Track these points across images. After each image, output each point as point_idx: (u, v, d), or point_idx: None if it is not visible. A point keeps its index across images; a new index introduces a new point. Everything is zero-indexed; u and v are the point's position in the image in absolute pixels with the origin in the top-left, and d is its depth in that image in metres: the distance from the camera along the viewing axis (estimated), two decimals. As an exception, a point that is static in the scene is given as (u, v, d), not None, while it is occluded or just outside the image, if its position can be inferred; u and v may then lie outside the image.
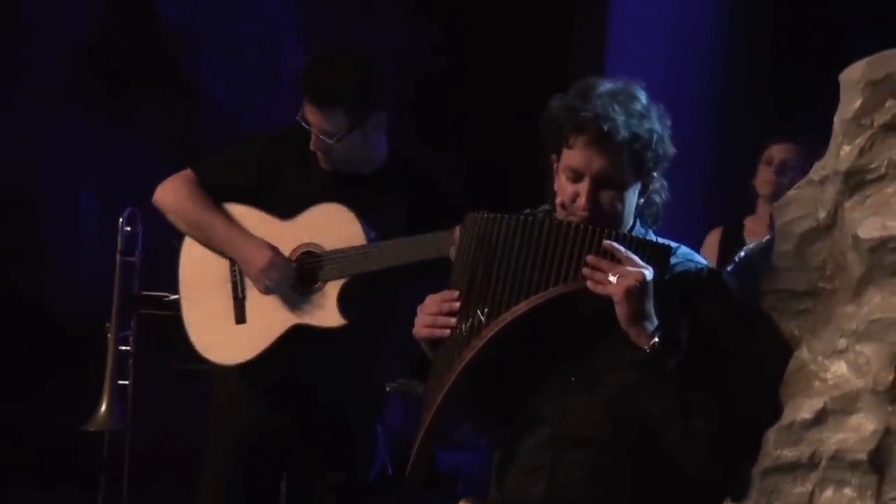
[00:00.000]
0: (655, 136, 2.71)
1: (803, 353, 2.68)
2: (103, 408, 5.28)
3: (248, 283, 3.73)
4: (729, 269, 2.89)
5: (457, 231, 3.32)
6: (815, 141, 4.88)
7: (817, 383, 2.62)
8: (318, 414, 3.74)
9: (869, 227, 2.59)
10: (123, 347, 5.40)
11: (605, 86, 2.71)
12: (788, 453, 2.59)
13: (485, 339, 2.69)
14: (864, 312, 2.59)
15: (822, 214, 2.71)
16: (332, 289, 3.63)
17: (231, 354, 3.75)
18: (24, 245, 7.02)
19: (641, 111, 2.70)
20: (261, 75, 7.26)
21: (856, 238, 2.61)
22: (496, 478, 2.85)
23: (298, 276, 3.67)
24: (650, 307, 2.63)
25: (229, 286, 3.77)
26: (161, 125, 7.25)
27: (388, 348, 3.94)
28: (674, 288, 2.69)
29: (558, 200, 2.75)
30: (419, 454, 2.79)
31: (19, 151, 7.11)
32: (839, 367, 2.59)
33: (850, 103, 2.69)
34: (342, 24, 7.22)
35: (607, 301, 2.63)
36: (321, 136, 3.63)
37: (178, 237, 3.87)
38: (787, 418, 2.62)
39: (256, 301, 3.72)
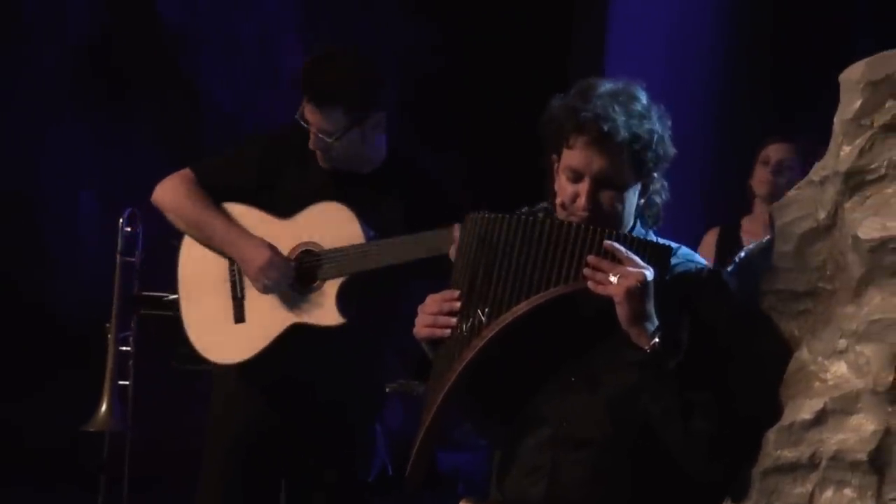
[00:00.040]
0: (656, 137, 2.71)
1: (803, 354, 2.68)
2: (104, 408, 5.28)
3: (248, 282, 3.73)
4: (729, 269, 2.89)
5: (455, 229, 3.34)
6: (811, 141, 4.91)
7: (817, 384, 2.62)
8: (316, 413, 3.74)
9: (869, 227, 2.60)
10: (124, 348, 5.40)
11: (606, 86, 2.71)
12: (788, 454, 2.59)
13: (485, 338, 2.69)
14: (864, 313, 2.59)
15: (822, 215, 2.71)
16: (331, 287, 3.64)
17: (230, 354, 3.75)
18: (24, 245, 7.02)
19: (642, 111, 2.70)
20: (261, 75, 7.26)
21: (856, 238, 2.61)
22: (497, 478, 2.85)
23: (297, 274, 3.67)
24: (651, 307, 2.63)
25: (228, 285, 3.77)
26: (161, 125, 7.25)
27: (387, 347, 3.94)
28: (674, 288, 2.69)
29: (558, 201, 2.75)
30: (419, 454, 2.79)
31: (19, 151, 7.11)
32: (839, 368, 2.59)
33: (850, 104, 2.69)
34: (342, 24, 7.22)
35: (608, 301, 2.63)
36: (320, 136, 3.64)
37: (177, 237, 3.87)
38: (787, 419, 2.62)
39: (255, 300, 3.72)
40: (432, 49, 7.03)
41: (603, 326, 2.68)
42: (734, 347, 2.71)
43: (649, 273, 2.63)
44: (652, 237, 2.79)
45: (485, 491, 2.94)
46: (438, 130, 6.72)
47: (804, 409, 2.60)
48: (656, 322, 2.63)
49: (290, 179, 3.74)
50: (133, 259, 5.45)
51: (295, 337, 3.67)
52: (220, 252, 3.76)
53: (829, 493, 2.54)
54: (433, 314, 2.75)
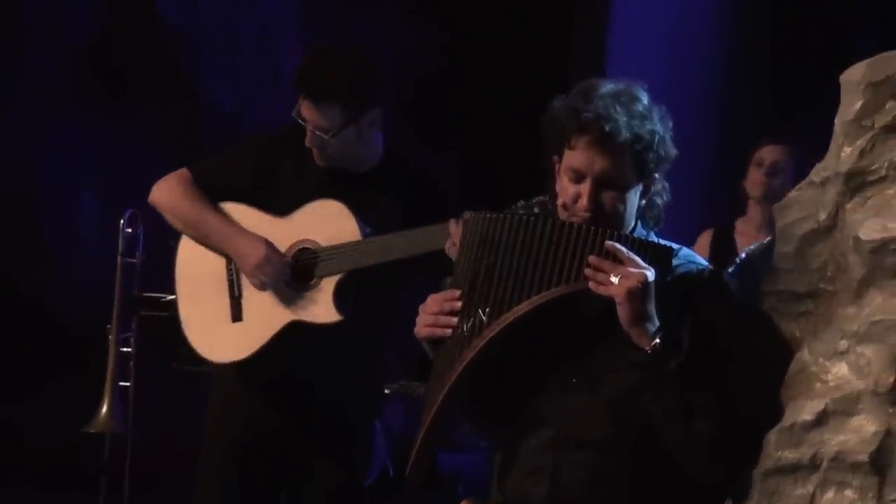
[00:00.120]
0: (657, 138, 2.71)
1: (804, 355, 2.68)
2: (104, 410, 5.28)
3: (245, 281, 3.73)
4: (730, 270, 2.89)
5: (451, 224, 3.35)
6: (805, 143, 4.92)
7: (818, 385, 2.62)
8: (315, 412, 3.74)
9: (870, 228, 2.60)
10: (124, 349, 5.40)
11: (607, 87, 2.71)
12: (789, 455, 2.60)
13: (486, 338, 2.69)
14: (865, 314, 2.59)
15: (822, 216, 2.71)
16: (328, 285, 3.64)
17: (228, 352, 3.76)
18: (24, 245, 7.02)
19: (643, 112, 2.70)
20: (261, 75, 7.26)
21: (857, 240, 2.61)
22: (497, 478, 2.85)
23: (295, 272, 3.67)
24: (651, 308, 2.63)
25: (226, 284, 3.77)
26: (161, 125, 7.25)
27: (387, 347, 3.94)
28: (675, 289, 2.69)
29: (560, 202, 2.75)
30: (419, 454, 2.79)
31: (19, 151, 7.11)
32: (840, 369, 2.60)
33: (850, 105, 2.69)
34: (342, 24, 7.22)
35: (609, 302, 2.64)
36: (317, 133, 3.64)
37: (175, 237, 3.87)
38: (788, 420, 2.62)
39: (253, 299, 3.73)
40: (432, 49, 7.03)
41: (604, 327, 2.69)
42: (735, 348, 2.71)
43: (650, 274, 2.63)
44: (653, 238, 2.79)
45: (486, 492, 2.95)
46: (438, 130, 6.72)
47: (805, 410, 2.60)
48: (657, 323, 2.63)
49: (287, 178, 3.74)
50: (134, 260, 5.45)
51: (293, 335, 3.67)
52: (217, 250, 3.76)
53: (829, 494, 2.54)
54: (434, 314, 2.75)
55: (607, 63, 6.38)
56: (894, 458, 2.50)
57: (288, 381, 3.74)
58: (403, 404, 5.44)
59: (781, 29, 6.36)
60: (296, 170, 3.74)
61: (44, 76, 7.16)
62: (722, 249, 4.93)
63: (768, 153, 5.09)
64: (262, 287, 3.68)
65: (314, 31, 7.25)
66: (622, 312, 2.62)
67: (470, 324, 2.71)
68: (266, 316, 3.70)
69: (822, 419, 2.58)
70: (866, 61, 2.70)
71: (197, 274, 3.81)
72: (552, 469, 2.73)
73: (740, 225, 5.18)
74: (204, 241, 3.78)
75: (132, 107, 7.27)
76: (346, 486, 3.80)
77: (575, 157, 2.71)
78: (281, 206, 3.72)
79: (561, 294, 2.68)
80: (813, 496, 2.56)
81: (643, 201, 2.78)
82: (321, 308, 3.64)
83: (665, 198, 2.82)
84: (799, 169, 4.77)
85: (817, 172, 2.75)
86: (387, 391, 4.89)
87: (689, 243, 4.76)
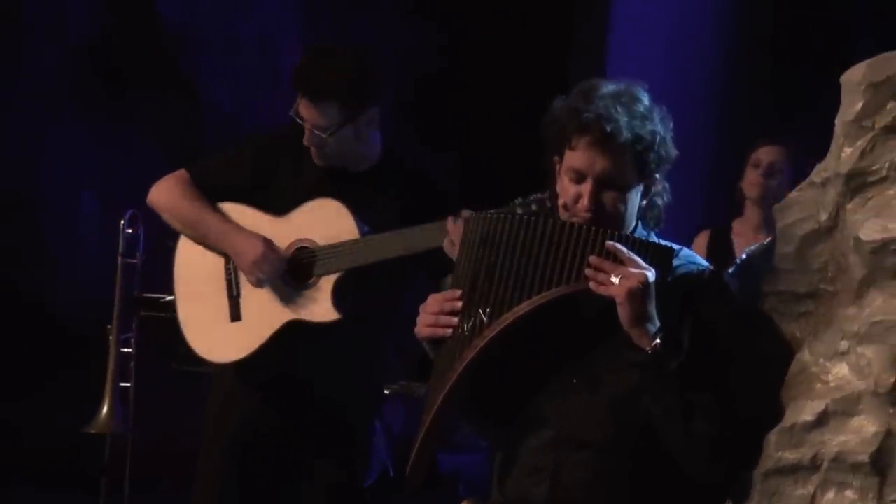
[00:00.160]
0: (658, 138, 2.71)
1: (805, 355, 2.68)
2: (105, 410, 5.27)
3: (243, 280, 3.73)
4: (730, 270, 2.89)
5: (448, 222, 3.35)
6: (802, 143, 4.92)
7: (819, 385, 2.62)
8: (314, 411, 3.74)
9: (870, 229, 2.60)
10: (125, 349, 5.39)
11: (608, 87, 2.72)
12: (790, 455, 2.60)
13: (487, 338, 2.70)
14: (865, 314, 2.59)
15: (823, 216, 2.71)
16: (327, 283, 3.64)
17: (227, 352, 3.76)
18: (24, 245, 7.02)
19: (644, 113, 2.70)
20: (261, 75, 7.25)
21: (857, 240, 2.61)
22: (498, 479, 2.85)
23: (293, 271, 3.67)
24: (652, 309, 2.63)
25: (224, 284, 3.77)
26: (161, 125, 7.25)
27: (387, 347, 3.94)
28: (676, 290, 2.69)
29: (561, 202, 2.76)
30: (420, 454, 2.79)
31: (19, 151, 7.10)
32: (841, 369, 2.60)
33: (851, 105, 2.69)
34: (342, 24, 7.21)
35: (609, 302, 2.64)
36: (315, 131, 3.64)
37: (174, 238, 3.87)
38: (788, 420, 2.63)
39: (252, 298, 3.73)
40: (432, 49, 7.03)
41: (604, 327, 2.69)
42: (735, 349, 2.72)
43: (651, 274, 2.63)
44: (654, 238, 2.79)
45: (486, 492, 2.94)
46: (438, 130, 6.71)
47: (805, 411, 2.60)
48: (658, 323, 2.63)
49: (285, 177, 3.75)
50: (134, 261, 5.45)
51: (291, 334, 3.67)
52: (215, 248, 3.76)
53: (830, 494, 2.54)
54: (435, 314, 2.76)
55: (607, 63, 6.38)
56: (895, 458, 2.50)
57: (287, 381, 3.74)
58: (404, 404, 5.43)
59: (781, 29, 6.36)
60: (294, 169, 3.74)
61: (44, 76, 7.15)
62: (718, 250, 4.94)
63: (765, 154, 5.09)
64: (259, 284, 3.68)
65: (314, 31, 7.24)
66: (623, 313, 2.63)
67: (470, 324, 2.72)
68: (265, 315, 3.70)
69: (822, 420, 2.58)
70: (867, 62, 2.70)
71: (195, 274, 3.82)
72: (553, 469, 2.73)
73: (737, 226, 5.18)
74: (202, 240, 3.78)
75: (132, 107, 7.26)
76: (345, 485, 3.80)
77: (576, 157, 2.71)
78: (279, 205, 3.73)
79: (561, 294, 2.68)
80: (813, 497, 2.56)
81: (644, 202, 2.78)
82: (320, 307, 3.64)
83: (666, 198, 2.82)
84: (797, 169, 4.78)
85: (818, 173, 2.75)
86: (387, 391, 4.88)
87: (689, 244, 4.76)
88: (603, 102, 2.68)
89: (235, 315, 3.75)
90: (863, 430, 2.53)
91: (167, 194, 3.80)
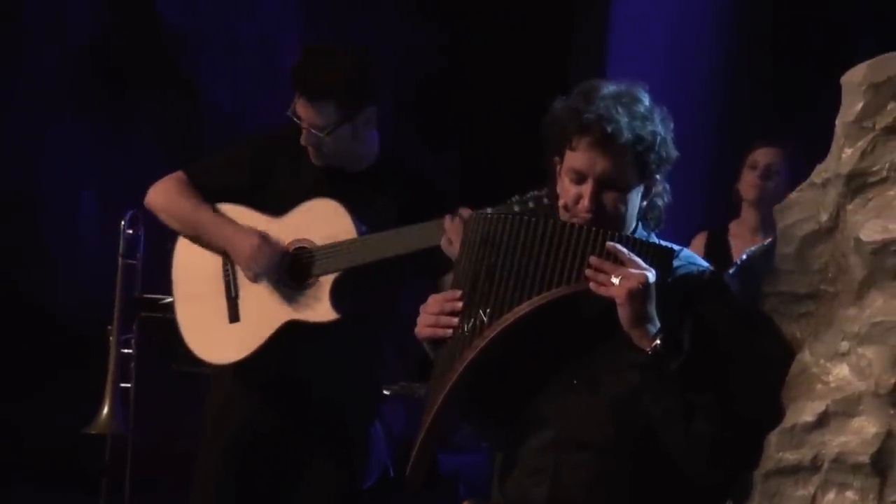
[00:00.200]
0: (658, 139, 2.71)
1: (805, 356, 2.68)
2: (105, 411, 5.27)
3: (242, 281, 3.73)
4: (731, 271, 2.89)
5: (446, 221, 3.35)
6: (799, 145, 4.92)
7: (819, 386, 2.62)
8: (313, 411, 3.74)
9: (871, 229, 2.60)
10: (125, 350, 5.39)
11: (609, 88, 2.72)
12: (790, 456, 2.60)
13: (487, 339, 2.69)
14: (865, 315, 2.59)
15: (823, 217, 2.71)
16: (325, 283, 3.64)
17: (226, 353, 3.76)
18: (24, 245, 7.02)
19: (644, 113, 2.70)
20: (261, 75, 7.25)
21: (858, 241, 2.61)
22: (498, 479, 2.85)
23: (291, 271, 3.67)
24: (652, 309, 2.63)
25: (222, 285, 3.77)
26: (161, 125, 7.25)
27: (386, 347, 3.94)
28: (676, 290, 2.69)
29: (561, 202, 2.75)
30: (420, 454, 2.79)
31: (19, 151, 7.10)
32: (841, 370, 2.60)
33: (851, 106, 2.69)
34: (342, 24, 7.21)
35: (610, 303, 2.64)
36: (312, 131, 3.64)
37: (173, 240, 3.87)
38: (788, 421, 2.63)
39: (250, 299, 3.73)
40: (432, 49, 7.03)
41: (604, 328, 2.69)
42: (736, 349, 2.71)
43: (651, 275, 2.63)
44: (654, 239, 2.79)
45: (486, 493, 2.94)
46: (438, 130, 6.72)
47: (806, 412, 2.60)
48: (658, 324, 2.63)
49: (283, 177, 3.75)
50: (135, 261, 5.45)
51: (290, 334, 3.67)
52: (213, 247, 3.76)
53: (831, 495, 2.54)
54: (435, 314, 2.75)
55: (607, 63, 6.38)
56: (895, 459, 2.50)
57: (286, 381, 3.74)
58: (404, 405, 5.43)
59: (781, 29, 6.36)
60: (292, 169, 3.74)
61: (44, 76, 7.15)
62: (716, 252, 4.93)
63: (762, 155, 5.08)
64: (256, 279, 3.68)
65: (314, 31, 7.24)
66: (623, 313, 2.63)
67: (471, 324, 2.72)
68: (263, 316, 3.70)
69: (822, 420, 2.58)
70: (867, 62, 2.70)
71: (194, 276, 3.82)
72: (553, 470, 2.73)
73: (734, 227, 5.18)
74: (199, 239, 3.79)
75: (132, 107, 7.26)
76: (344, 486, 3.80)
77: (576, 157, 2.71)
78: (277, 205, 3.73)
79: (562, 295, 2.68)
80: (814, 497, 2.56)
81: (644, 202, 2.78)
82: (318, 307, 3.64)
83: (666, 199, 2.82)
84: (794, 171, 4.77)
85: (818, 174, 2.75)
86: (387, 392, 4.88)
87: (688, 245, 4.76)
88: (604, 103, 2.68)
89: (234, 316, 3.75)
90: (863, 430, 2.53)
91: (164, 195, 3.80)
